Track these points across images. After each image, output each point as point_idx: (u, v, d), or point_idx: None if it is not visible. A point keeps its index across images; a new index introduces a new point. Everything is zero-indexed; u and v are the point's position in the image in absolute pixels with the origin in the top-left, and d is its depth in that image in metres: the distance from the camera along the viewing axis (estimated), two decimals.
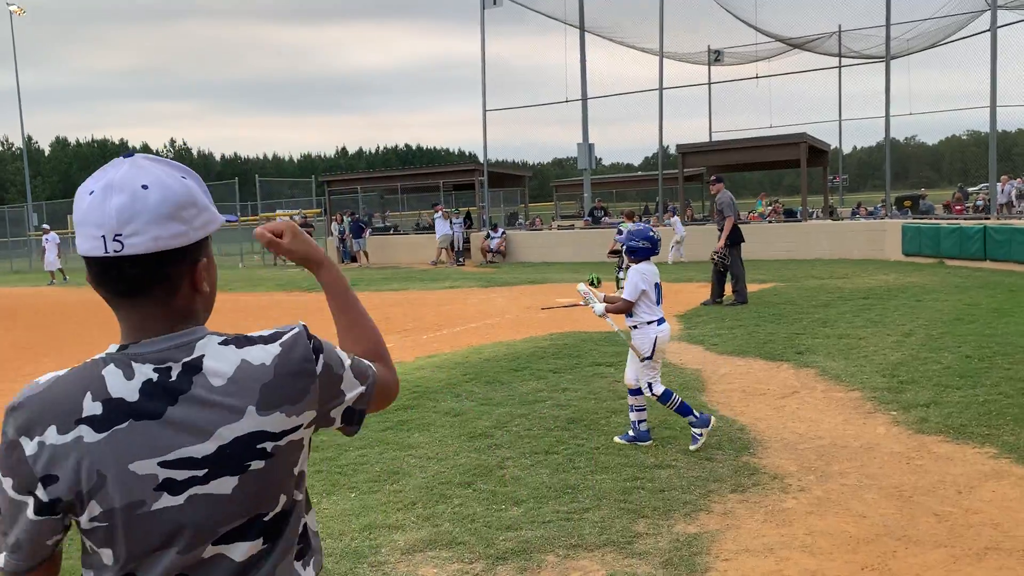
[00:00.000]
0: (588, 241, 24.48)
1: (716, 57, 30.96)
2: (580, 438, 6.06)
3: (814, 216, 25.53)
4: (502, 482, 5.18)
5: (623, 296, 5.94)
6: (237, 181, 35.37)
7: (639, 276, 5.82)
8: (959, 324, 9.86)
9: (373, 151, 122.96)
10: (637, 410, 5.94)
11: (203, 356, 1.30)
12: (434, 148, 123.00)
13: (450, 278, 21.45)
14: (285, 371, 1.35)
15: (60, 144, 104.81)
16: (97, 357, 1.32)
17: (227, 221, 1.46)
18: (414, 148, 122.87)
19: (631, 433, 5.97)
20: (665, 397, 5.84)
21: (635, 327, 5.85)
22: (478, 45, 27.49)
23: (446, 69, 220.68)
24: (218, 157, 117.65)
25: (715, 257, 13.36)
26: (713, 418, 5.90)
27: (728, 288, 13.33)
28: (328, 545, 4.31)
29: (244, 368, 1.31)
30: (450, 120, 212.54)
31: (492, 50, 28.14)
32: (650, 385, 5.85)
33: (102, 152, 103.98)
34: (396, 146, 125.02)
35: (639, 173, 51.24)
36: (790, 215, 25.50)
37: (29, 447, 1.24)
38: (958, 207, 26.42)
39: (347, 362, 1.47)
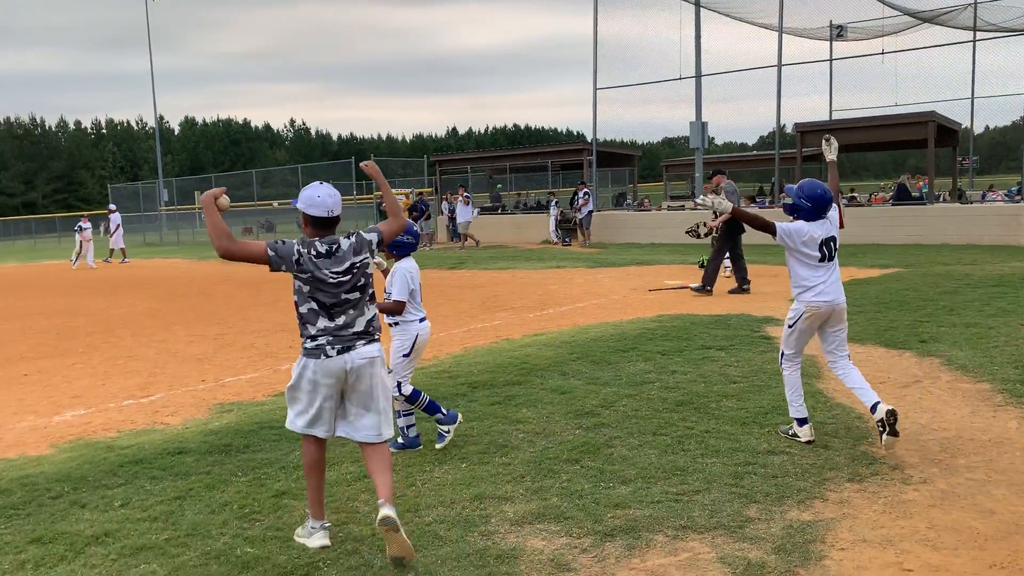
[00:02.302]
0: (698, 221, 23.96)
1: (839, 32, 29.68)
2: (689, 421, 5.99)
3: (940, 199, 24.23)
4: (610, 460, 5.18)
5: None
6: (353, 160, 36.38)
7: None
8: None
9: (482, 131, 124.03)
10: (404, 415, 5.60)
11: (339, 240, 4.07)
12: (542, 128, 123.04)
13: (556, 258, 21.47)
14: (361, 240, 4.14)
15: (188, 124, 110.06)
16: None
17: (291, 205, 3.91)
18: (522, 128, 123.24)
19: (400, 440, 5.62)
20: (413, 397, 5.54)
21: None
22: (587, 23, 27.27)
23: (554, 48, 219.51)
24: (335, 137, 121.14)
25: (703, 233, 14.07)
26: (460, 415, 5.70)
27: (718, 279, 13.52)
28: (440, 512, 4.42)
29: (351, 241, 4.11)
30: (558, 100, 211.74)
31: (604, 28, 27.82)
32: (399, 385, 5.44)
33: (227, 131, 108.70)
34: (504, 126, 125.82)
35: (753, 153, 49.78)
36: (903, 195, 23.97)
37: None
38: None
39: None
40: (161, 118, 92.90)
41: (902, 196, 23.49)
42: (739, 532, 4.08)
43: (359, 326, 4.07)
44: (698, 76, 26.06)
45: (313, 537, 4.08)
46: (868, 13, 27.45)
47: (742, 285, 13.27)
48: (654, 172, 53.34)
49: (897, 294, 11.94)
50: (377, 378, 4.10)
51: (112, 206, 30.85)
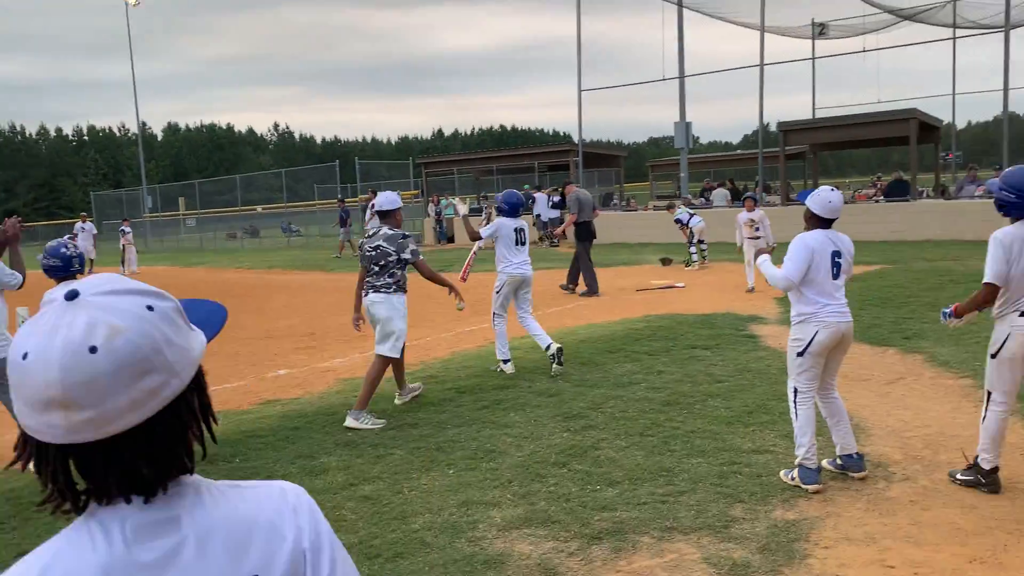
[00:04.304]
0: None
1: (820, 30, 29.84)
2: (675, 421, 6.03)
3: (923, 195, 24.40)
4: (597, 463, 5.21)
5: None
6: (338, 163, 36.33)
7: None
8: None
9: (468, 132, 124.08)
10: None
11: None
12: (528, 129, 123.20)
13: (545, 259, 21.49)
14: None
15: (171, 129, 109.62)
16: None
17: None
18: (508, 129, 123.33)
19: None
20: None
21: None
22: (571, 25, 27.31)
23: (540, 50, 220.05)
24: (319, 140, 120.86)
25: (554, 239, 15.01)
26: None
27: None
28: (427, 519, 4.44)
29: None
30: (545, 101, 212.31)
31: (587, 29, 27.91)
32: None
33: (210, 136, 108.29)
34: (491, 127, 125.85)
35: (738, 152, 50.01)
36: (897, 190, 24.13)
37: None
38: None
39: None
40: (144, 124, 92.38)
41: (894, 192, 23.60)
42: (724, 532, 4.11)
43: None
44: (681, 77, 26.17)
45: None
46: (849, 11, 27.65)
47: (570, 283, 14.17)
48: (640, 172, 53.48)
49: (880, 291, 12.03)
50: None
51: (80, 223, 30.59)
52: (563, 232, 14.37)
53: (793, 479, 4.73)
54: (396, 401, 7.01)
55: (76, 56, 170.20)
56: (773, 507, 4.42)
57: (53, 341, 0.96)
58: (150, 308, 1.01)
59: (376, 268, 6.49)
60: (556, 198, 27.99)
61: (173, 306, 1.05)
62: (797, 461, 4.75)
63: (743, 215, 13.26)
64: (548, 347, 7.82)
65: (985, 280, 4.57)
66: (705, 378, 7.30)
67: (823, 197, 4.85)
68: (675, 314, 10.94)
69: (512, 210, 8.24)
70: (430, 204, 30.72)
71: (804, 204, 4.92)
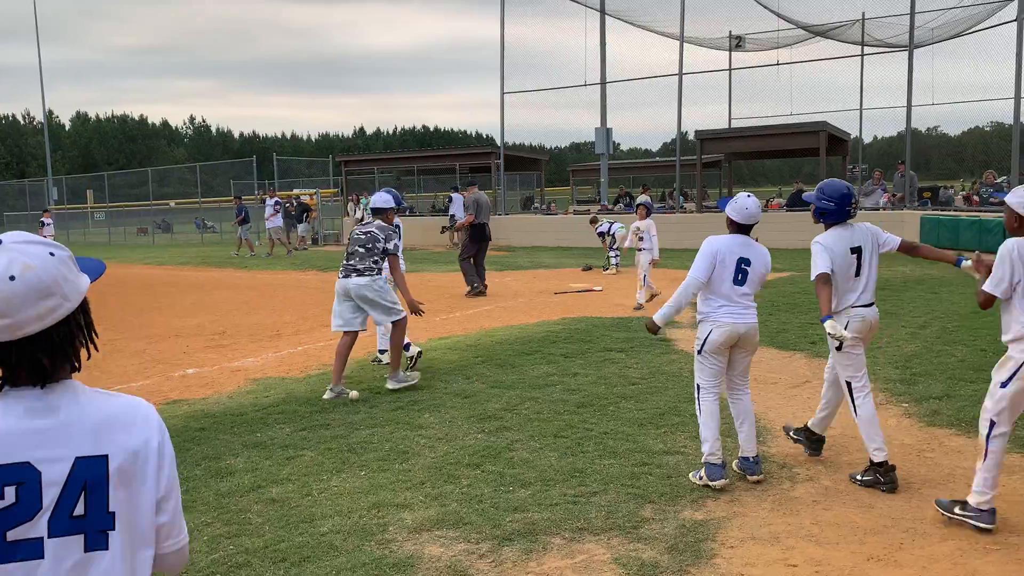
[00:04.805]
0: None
1: (737, 43, 30.64)
2: (589, 423, 6.07)
3: None
4: (510, 464, 5.20)
5: None
6: (255, 159, 35.49)
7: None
8: (975, 318, 9.76)
9: (391, 132, 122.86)
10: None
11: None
12: (452, 130, 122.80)
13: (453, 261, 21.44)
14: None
15: (80, 119, 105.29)
16: None
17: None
18: (431, 130, 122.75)
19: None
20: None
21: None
22: (495, 27, 27.39)
23: (464, 51, 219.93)
24: (237, 135, 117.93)
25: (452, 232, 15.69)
26: None
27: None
28: (336, 522, 4.35)
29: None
30: (468, 102, 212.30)
31: (511, 32, 28.00)
32: None
33: (122, 128, 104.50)
34: (414, 127, 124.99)
35: (656, 159, 50.95)
36: (797, 201, 24.84)
37: None
38: (976, 199, 26.11)
39: None
40: (50, 112, 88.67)
41: (795, 203, 24.40)
42: (634, 532, 4.15)
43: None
44: (603, 83, 26.50)
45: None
46: (765, 25, 28.45)
47: (475, 286, 14.41)
48: (561, 176, 53.94)
49: (789, 297, 12.40)
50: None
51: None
52: (460, 229, 14.87)
53: (701, 478, 4.82)
54: (325, 396, 7.01)
55: None
56: (682, 507, 4.48)
57: None
58: (52, 254, 1.50)
59: (362, 251, 7.22)
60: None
61: (68, 255, 1.54)
62: (703, 459, 4.85)
63: (635, 223, 13.15)
64: (384, 352, 8.32)
65: (817, 273, 4.95)
66: (619, 380, 7.38)
67: (740, 204, 5.02)
68: (591, 317, 11.04)
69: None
70: (350, 203, 30.30)
71: (722, 210, 5.08)
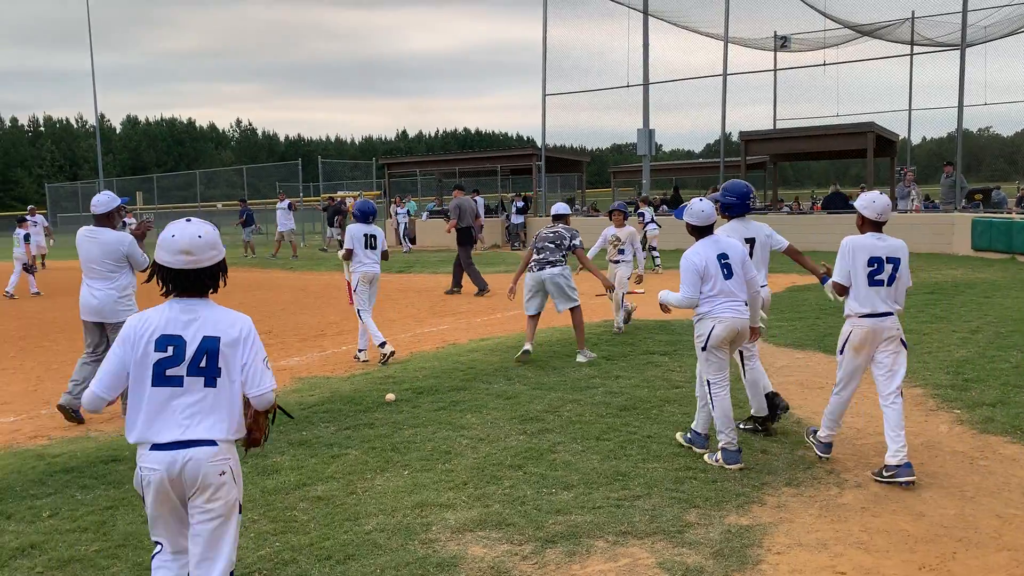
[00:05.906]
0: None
1: (782, 43, 30.24)
2: (632, 426, 6.03)
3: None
4: (553, 466, 5.18)
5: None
6: (300, 162, 35.94)
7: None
8: None
9: (432, 134, 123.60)
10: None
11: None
12: (493, 132, 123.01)
13: (505, 262, 21.47)
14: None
15: (131, 123, 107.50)
16: None
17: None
18: (473, 132, 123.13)
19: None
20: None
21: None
22: (537, 29, 27.37)
23: (505, 53, 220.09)
24: (282, 138, 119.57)
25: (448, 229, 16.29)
26: None
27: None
28: (380, 521, 4.38)
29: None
30: (509, 105, 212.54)
31: (553, 34, 27.98)
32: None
33: (171, 131, 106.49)
34: (455, 130, 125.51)
35: (699, 160, 50.51)
36: (834, 203, 24.30)
37: None
38: None
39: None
40: (102, 116, 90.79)
41: (832, 204, 23.97)
42: (678, 537, 4.11)
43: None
44: (646, 84, 26.35)
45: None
46: (811, 25, 28.06)
47: (455, 287, 15.06)
48: (603, 178, 53.74)
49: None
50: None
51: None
52: (452, 230, 15.70)
53: (717, 460, 5.12)
54: (579, 359, 8.35)
55: (34, 45, 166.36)
56: (727, 512, 4.43)
57: (185, 231, 2.97)
58: (215, 227, 3.04)
59: (551, 247, 8.69)
60: (520, 203, 28.06)
61: (217, 230, 3.01)
62: (721, 445, 5.14)
63: (609, 230, 10.64)
64: (362, 350, 9.00)
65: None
66: (662, 383, 7.32)
67: (695, 209, 5.36)
68: (633, 319, 10.97)
69: (363, 217, 9.17)
70: (392, 205, 30.50)
71: (680, 219, 5.49)
